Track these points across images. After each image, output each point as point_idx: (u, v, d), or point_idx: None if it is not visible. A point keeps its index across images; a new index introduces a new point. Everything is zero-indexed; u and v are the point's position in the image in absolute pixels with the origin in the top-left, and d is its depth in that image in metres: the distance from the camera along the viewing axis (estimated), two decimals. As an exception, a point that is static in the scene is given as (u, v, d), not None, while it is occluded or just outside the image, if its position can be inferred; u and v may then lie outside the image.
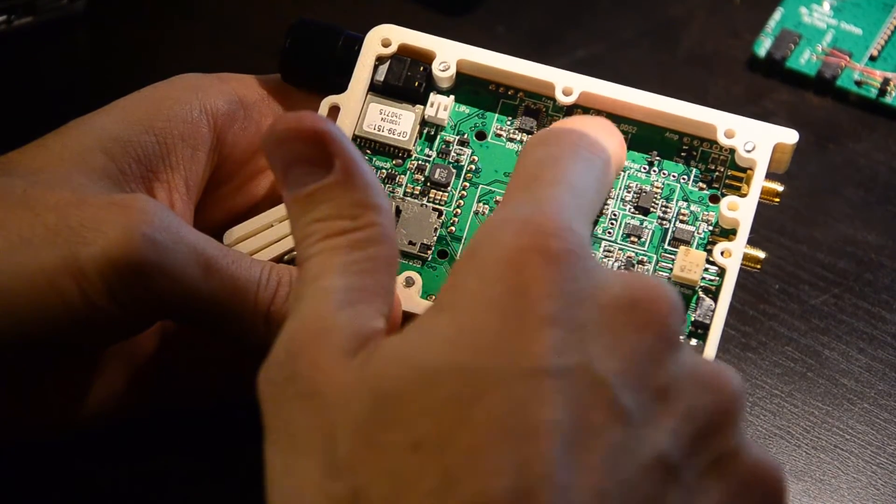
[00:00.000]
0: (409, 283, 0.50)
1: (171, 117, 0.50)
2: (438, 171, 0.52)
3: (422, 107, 0.52)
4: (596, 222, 0.50)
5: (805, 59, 0.64)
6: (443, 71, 0.52)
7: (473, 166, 0.52)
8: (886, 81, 0.63)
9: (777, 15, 0.65)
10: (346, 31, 0.53)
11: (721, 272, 0.49)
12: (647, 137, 0.52)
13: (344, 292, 0.40)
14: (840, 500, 0.53)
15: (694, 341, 0.49)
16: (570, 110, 0.52)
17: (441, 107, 0.52)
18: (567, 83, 0.52)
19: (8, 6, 0.64)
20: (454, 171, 0.52)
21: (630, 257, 0.50)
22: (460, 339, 0.38)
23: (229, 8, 0.67)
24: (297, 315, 0.40)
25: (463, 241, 0.51)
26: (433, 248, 0.51)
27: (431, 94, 0.52)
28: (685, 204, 0.51)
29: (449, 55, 0.52)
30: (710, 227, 0.50)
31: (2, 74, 0.65)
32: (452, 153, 0.52)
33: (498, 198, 0.51)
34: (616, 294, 0.39)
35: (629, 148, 0.52)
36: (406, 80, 0.52)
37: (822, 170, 0.62)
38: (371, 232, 0.41)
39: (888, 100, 0.63)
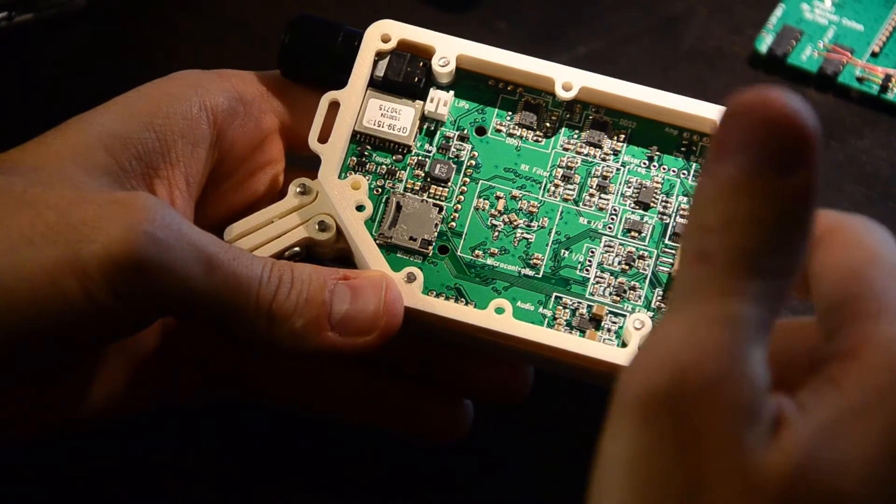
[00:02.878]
0: (411, 278, 0.50)
1: (170, 114, 0.50)
2: (438, 166, 0.52)
3: (422, 102, 0.52)
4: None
5: (806, 56, 0.64)
6: (442, 66, 0.52)
7: (473, 161, 0.52)
8: (888, 78, 0.63)
9: (779, 11, 0.65)
10: (346, 27, 0.53)
11: None
12: (646, 132, 0.52)
13: (757, 330, 0.35)
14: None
15: None
16: (570, 105, 0.52)
17: (441, 102, 0.52)
18: (567, 78, 0.51)
19: (9, 2, 0.64)
20: (454, 166, 0.52)
21: (631, 252, 0.50)
22: None
23: (231, 3, 0.67)
24: (691, 335, 0.35)
25: (464, 236, 0.51)
26: (434, 244, 0.51)
27: (431, 90, 0.52)
28: (685, 199, 0.51)
29: (449, 50, 0.52)
30: None
31: (2, 71, 0.65)
32: (452, 148, 0.52)
33: (499, 193, 0.51)
34: None
35: (629, 143, 0.52)
36: (406, 75, 0.52)
37: (824, 166, 0.62)
38: (797, 263, 0.35)
39: (890, 96, 0.63)
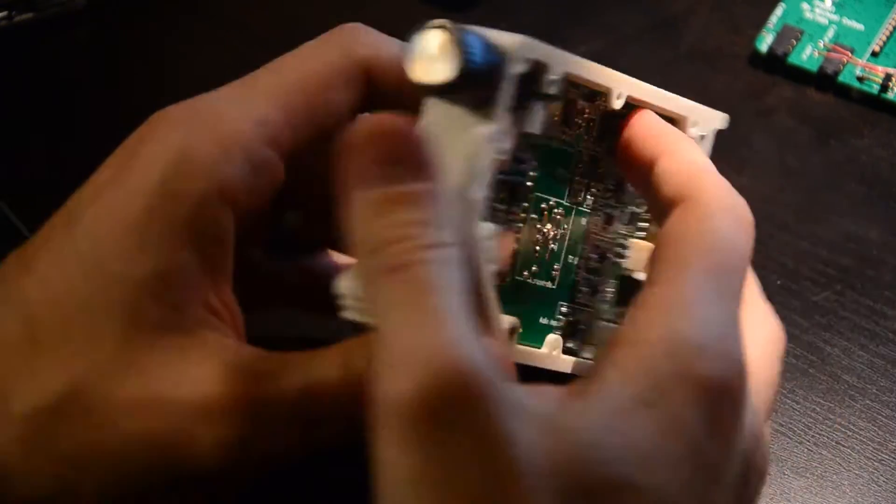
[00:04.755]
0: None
1: (196, 221, 0.42)
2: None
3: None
4: None
5: (807, 55, 0.64)
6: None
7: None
8: (888, 77, 0.63)
9: (779, 11, 0.65)
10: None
11: None
12: None
13: (470, 320, 0.36)
14: (842, 496, 0.53)
15: None
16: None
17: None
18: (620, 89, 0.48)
19: (9, 2, 0.64)
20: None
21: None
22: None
23: (231, 3, 0.67)
24: (424, 337, 0.35)
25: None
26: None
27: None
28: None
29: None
30: None
31: (2, 70, 0.65)
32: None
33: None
34: None
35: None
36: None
37: (824, 166, 0.62)
38: (474, 251, 0.38)
39: (890, 95, 0.63)
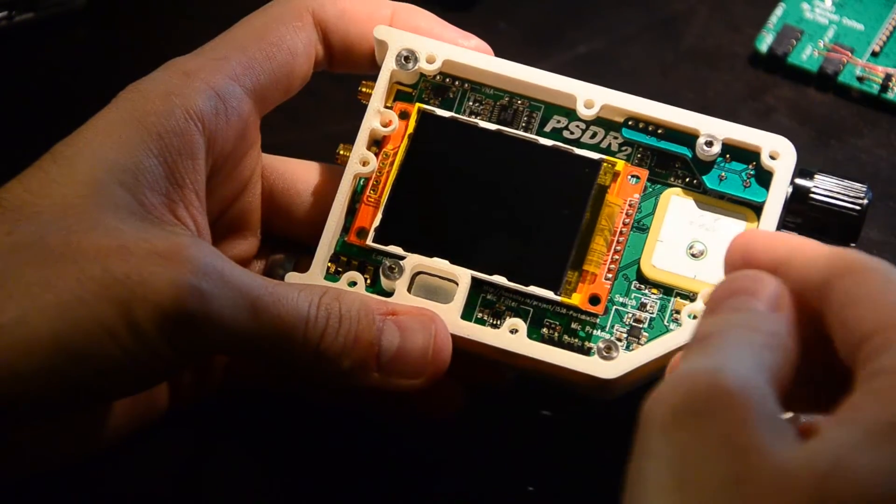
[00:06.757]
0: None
1: (162, 133, 0.49)
2: None
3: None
4: None
5: (807, 55, 0.64)
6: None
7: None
8: (888, 77, 0.63)
9: (779, 10, 0.65)
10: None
11: None
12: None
13: (764, 373, 0.39)
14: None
15: None
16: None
17: None
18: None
19: (9, 1, 0.64)
20: None
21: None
22: None
23: (231, 4, 0.67)
24: (712, 358, 0.38)
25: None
26: None
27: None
28: None
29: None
30: None
31: (3, 70, 0.65)
32: None
33: None
34: None
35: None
36: None
37: (824, 166, 0.62)
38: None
39: (890, 95, 0.63)
